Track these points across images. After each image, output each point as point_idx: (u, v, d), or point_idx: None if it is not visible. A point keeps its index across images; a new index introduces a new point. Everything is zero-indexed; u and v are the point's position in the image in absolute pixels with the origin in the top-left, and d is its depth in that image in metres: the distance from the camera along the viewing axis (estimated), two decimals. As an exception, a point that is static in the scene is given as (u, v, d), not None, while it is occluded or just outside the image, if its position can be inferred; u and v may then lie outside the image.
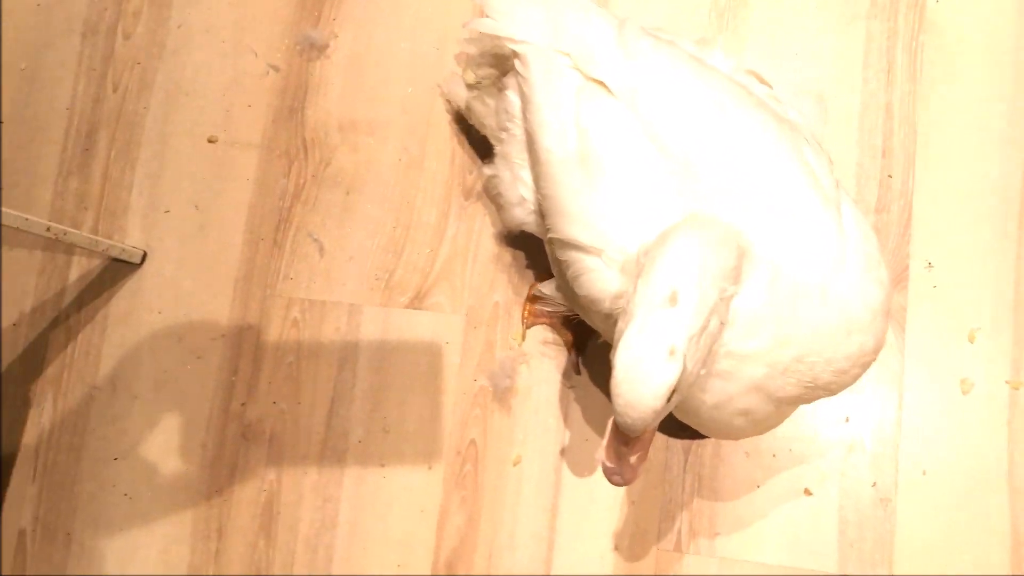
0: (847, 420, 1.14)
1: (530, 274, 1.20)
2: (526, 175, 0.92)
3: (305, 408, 1.19)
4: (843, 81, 1.24)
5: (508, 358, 1.18)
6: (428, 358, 1.19)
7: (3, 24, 1.33)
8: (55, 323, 1.24)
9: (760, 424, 0.84)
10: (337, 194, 1.25)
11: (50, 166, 1.29)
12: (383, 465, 1.17)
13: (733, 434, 0.87)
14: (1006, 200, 1.19)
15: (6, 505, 1.19)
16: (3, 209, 0.96)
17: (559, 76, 0.85)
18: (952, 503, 1.12)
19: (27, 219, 1.00)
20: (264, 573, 1.15)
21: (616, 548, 1.13)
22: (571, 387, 1.17)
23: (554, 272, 0.96)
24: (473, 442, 1.17)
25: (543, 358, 1.18)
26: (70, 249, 1.25)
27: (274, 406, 1.19)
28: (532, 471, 1.15)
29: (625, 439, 0.70)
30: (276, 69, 1.29)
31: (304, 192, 1.25)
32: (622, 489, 1.14)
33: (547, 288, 1.00)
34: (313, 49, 1.29)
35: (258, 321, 1.22)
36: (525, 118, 0.89)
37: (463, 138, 1.25)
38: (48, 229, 1.05)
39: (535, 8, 0.89)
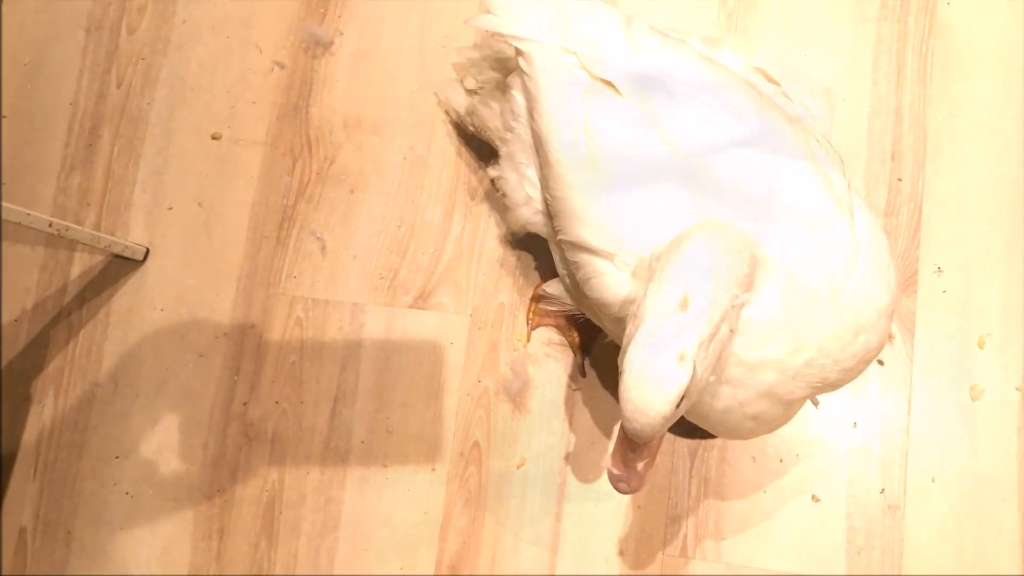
0: (855, 425, 1.14)
1: (536, 275, 1.19)
2: (532, 175, 0.91)
3: (308, 408, 1.18)
4: (853, 83, 1.23)
5: (518, 359, 1.17)
6: (432, 359, 1.18)
7: (7, 19, 1.32)
8: (57, 320, 1.24)
9: (770, 424, 0.83)
10: (341, 192, 1.24)
11: (53, 161, 1.28)
12: (386, 466, 1.16)
13: (743, 435, 0.86)
14: (1016, 204, 1.18)
15: (6, 502, 1.19)
16: (5, 204, 0.96)
17: (566, 76, 0.84)
18: (961, 510, 1.11)
19: (29, 215, 1.00)
20: (266, 573, 1.15)
21: (621, 553, 1.12)
22: (576, 389, 1.16)
23: (560, 273, 0.96)
24: (477, 444, 1.16)
25: (548, 359, 1.17)
26: (72, 245, 1.25)
27: (276, 406, 1.18)
28: (536, 474, 1.15)
29: (633, 445, 0.69)
30: (281, 66, 1.28)
31: (308, 190, 1.24)
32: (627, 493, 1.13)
33: (553, 288, 0.99)
34: (318, 46, 1.29)
35: (261, 320, 1.21)
36: (532, 118, 0.87)
37: (469, 138, 1.24)
38: (50, 225, 1.04)
39: (540, 5, 0.87)
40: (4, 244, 1.25)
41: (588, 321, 1.02)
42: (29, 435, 1.21)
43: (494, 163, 1.00)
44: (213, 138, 1.27)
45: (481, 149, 1.23)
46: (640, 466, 0.70)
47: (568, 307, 1.00)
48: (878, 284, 0.77)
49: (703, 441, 1.14)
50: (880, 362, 1.15)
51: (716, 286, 0.65)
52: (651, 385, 0.63)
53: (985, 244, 1.17)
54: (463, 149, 1.24)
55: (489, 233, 1.22)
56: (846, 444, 1.13)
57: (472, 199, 1.23)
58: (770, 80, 0.88)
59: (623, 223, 0.77)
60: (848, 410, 1.13)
